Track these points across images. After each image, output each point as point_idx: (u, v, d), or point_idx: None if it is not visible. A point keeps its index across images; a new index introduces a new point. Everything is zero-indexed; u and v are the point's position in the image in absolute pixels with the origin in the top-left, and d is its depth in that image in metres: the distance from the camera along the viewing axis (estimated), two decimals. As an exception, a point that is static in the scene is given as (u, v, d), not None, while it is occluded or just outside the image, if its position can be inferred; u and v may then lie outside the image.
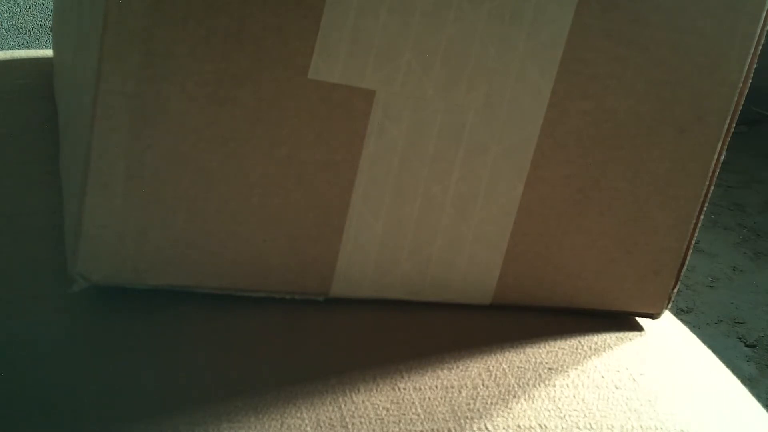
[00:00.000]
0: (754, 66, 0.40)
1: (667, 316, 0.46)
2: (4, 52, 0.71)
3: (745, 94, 0.41)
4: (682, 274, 0.44)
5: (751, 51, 0.40)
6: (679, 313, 1.54)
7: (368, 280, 0.41)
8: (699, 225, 0.43)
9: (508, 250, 0.41)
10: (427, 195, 0.39)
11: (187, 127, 0.35)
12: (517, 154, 0.40)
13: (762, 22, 0.40)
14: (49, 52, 0.70)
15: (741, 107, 0.41)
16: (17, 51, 0.73)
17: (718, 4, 0.39)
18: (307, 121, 0.37)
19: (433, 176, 0.39)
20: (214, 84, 0.35)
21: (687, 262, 0.44)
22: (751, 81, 0.41)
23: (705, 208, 0.43)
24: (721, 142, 0.42)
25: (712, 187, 0.42)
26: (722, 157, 0.42)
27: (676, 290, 0.44)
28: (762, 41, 0.40)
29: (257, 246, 0.38)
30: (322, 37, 0.35)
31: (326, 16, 0.35)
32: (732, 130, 0.42)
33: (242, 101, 0.36)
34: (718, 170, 0.42)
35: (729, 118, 0.41)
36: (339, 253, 0.39)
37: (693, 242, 0.43)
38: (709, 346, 0.47)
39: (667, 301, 0.45)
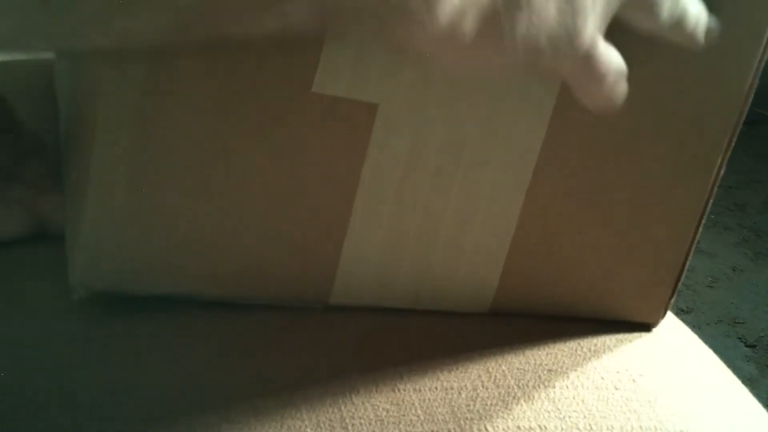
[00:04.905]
0: (756, 82, 0.40)
1: (667, 316, 0.46)
2: (4, 52, 0.71)
3: (747, 109, 0.41)
4: (679, 284, 0.44)
5: (754, 67, 0.40)
6: (679, 313, 1.54)
7: (367, 290, 0.41)
8: (698, 237, 0.43)
9: (506, 262, 0.41)
10: (427, 208, 0.39)
11: (190, 140, 0.35)
12: (518, 167, 0.40)
13: (765, 39, 0.39)
14: (49, 53, 0.70)
15: (742, 122, 0.41)
16: (17, 51, 0.72)
17: (720, 20, 0.39)
18: (310, 135, 0.37)
19: (434, 189, 0.39)
20: (218, 97, 0.35)
21: (684, 273, 0.44)
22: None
23: (704, 221, 0.43)
24: (722, 156, 0.41)
25: (711, 200, 0.42)
26: (722, 171, 0.42)
27: (672, 301, 0.44)
28: (765, 58, 0.40)
29: (257, 257, 0.38)
30: (326, 50, 0.35)
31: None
32: (733, 144, 0.41)
33: (245, 115, 0.36)
34: (717, 183, 0.42)
35: (730, 133, 0.41)
36: (339, 263, 0.39)
37: (691, 255, 0.43)
38: (709, 346, 0.47)
39: (663, 312, 0.45)
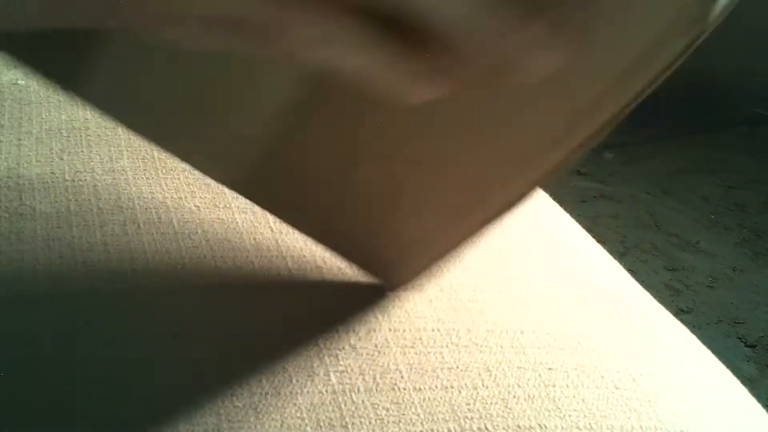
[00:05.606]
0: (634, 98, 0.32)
1: (668, 316, 0.46)
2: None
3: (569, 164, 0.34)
4: (435, 265, 0.42)
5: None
6: (679, 313, 1.54)
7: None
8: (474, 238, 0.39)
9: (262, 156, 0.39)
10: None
11: None
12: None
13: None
14: (49, 52, 0.70)
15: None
16: (17, 51, 0.72)
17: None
18: None
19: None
20: None
21: (444, 259, 0.41)
22: (746, 84, 0.39)
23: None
24: (527, 192, 0.36)
25: (507, 213, 0.37)
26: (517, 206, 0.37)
27: (422, 279, 0.43)
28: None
29: None
30: None
31: None
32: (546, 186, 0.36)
33: None
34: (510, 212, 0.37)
35: (541, 172, 0.35)
36: None
37: (459, 248, 0.40)
38: (709, 346, 0.47)
39: (409, 282, 0.43)
